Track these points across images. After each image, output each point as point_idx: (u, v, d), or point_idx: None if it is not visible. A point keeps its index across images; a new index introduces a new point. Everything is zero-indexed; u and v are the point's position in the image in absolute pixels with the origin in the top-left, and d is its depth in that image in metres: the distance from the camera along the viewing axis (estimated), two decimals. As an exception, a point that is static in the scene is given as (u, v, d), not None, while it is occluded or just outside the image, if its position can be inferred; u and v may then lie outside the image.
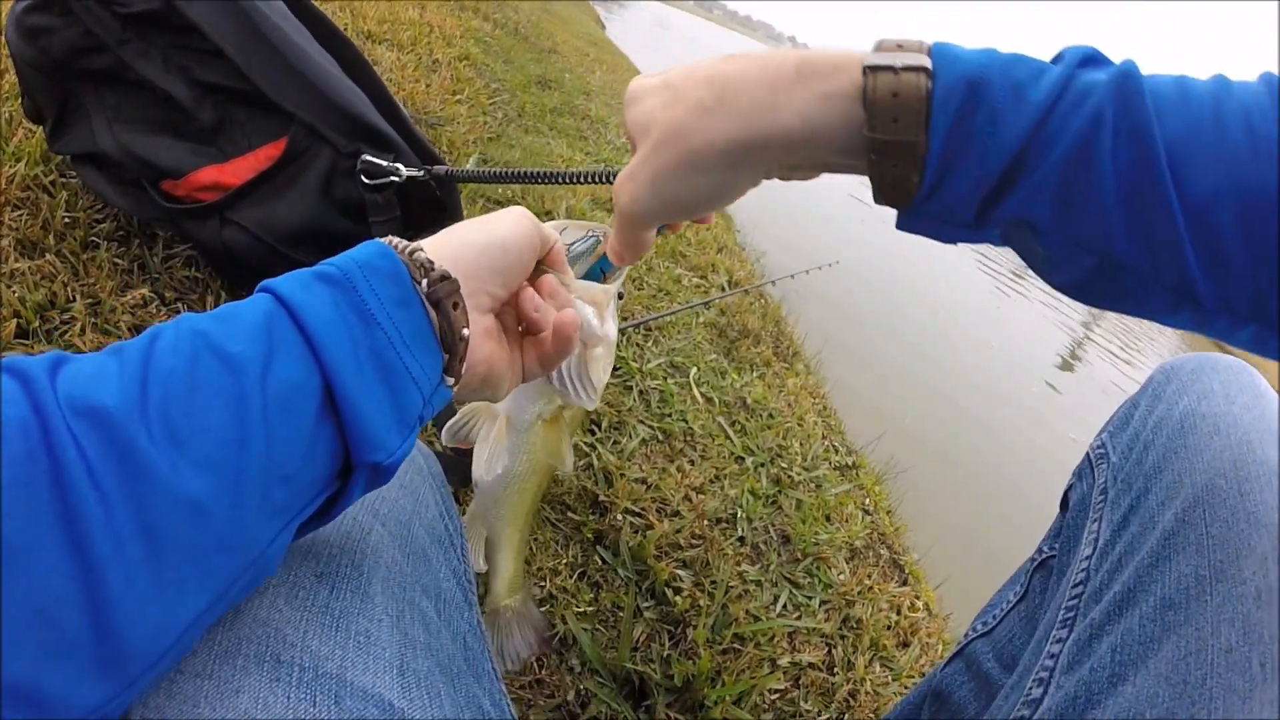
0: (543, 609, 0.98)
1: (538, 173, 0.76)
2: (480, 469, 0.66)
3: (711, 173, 0.45)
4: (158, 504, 0.28)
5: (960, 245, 0.47)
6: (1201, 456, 0.56)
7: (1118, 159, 0.37)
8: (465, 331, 0.42)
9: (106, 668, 0.27)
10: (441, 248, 0.43)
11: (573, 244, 0.60)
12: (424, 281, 0.40)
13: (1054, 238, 0.40)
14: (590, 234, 0.61)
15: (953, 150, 0.39)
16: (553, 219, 2.14)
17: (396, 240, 0.42)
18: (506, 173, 0.80)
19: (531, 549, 1.04)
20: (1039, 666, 0.56)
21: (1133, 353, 6.79)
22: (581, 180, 0.71)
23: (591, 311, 0.56)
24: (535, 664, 0.91)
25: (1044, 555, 0.74)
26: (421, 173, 0.93)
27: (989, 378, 4.39)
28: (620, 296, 0.62)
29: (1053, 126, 0.38)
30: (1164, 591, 0.52)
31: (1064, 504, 0.73)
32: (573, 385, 0.58)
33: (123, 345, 0.32)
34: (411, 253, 0.41)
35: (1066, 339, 6.35)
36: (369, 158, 0.92)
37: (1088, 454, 0.71)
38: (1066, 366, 5.62)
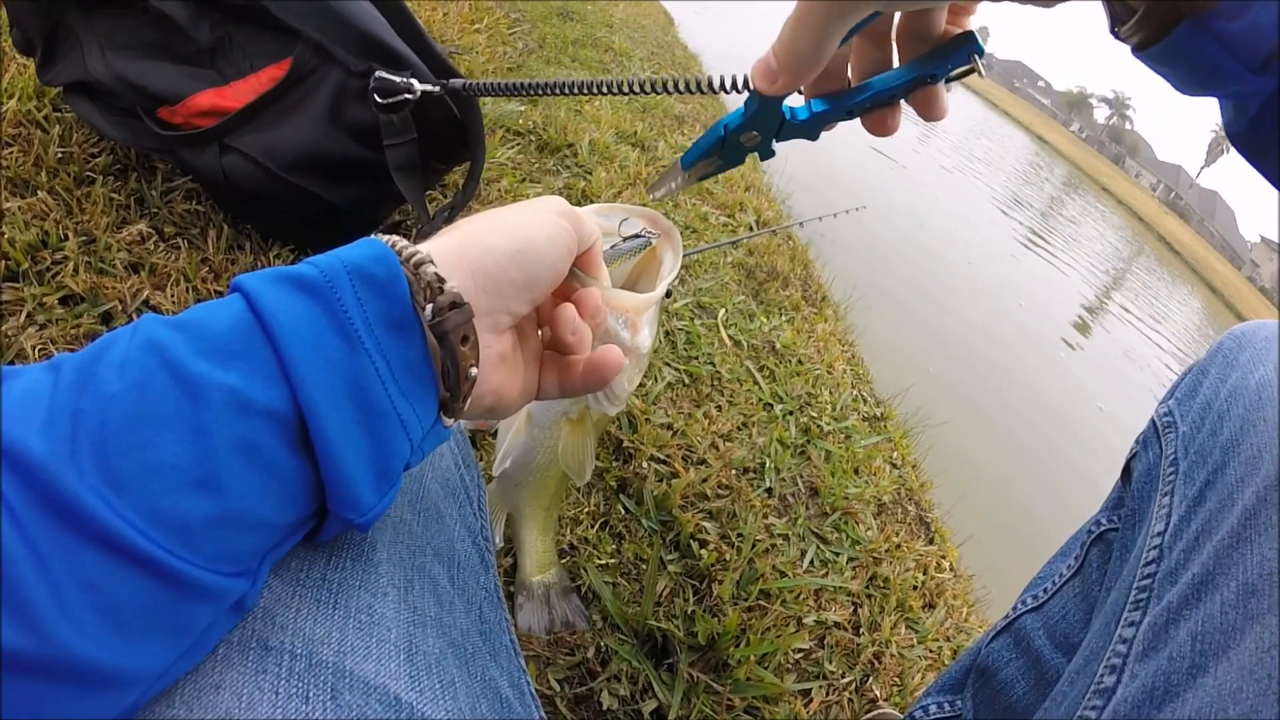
0: (563, 560, 0.95)
1: (565, 83, 0.68)
2: (498, 463, 0.62)
3: None
4: (96, 556, 0.24)
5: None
6: None
7: None
8: (473, 371, 0.35)
9: None
10: (459, 254, 0.35)
11: (628, 239, 0.54)
12: (428, 307, 0.33)
13: None
14: (644, 232, 0.54)
15: None
16: (574, 153, 2.04)
17: (399, 242, 0.34)
18: (529, 84, 0.72)
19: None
20: (1110, 652, 0.52)
21: (1152, 308, 6.66)
22: (619, 91, 0.63)
23: (622, 323, 0.50)
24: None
25: (1103, 527, 0.69)
26: (436, 88, 0.85)
27: (1009, 334, 4.31)
28: (668, 295, 0.56)
29: None
30: (1246, 576, 0.47)
31: (1126, 473, 0.68)
32: (594, 394, 0.53)
33: (62, 360, 0.27)
34: (417, 264, 0.33)
35: (1085, 298, 6.24)
36: (382, 74, 0.85)
37: (1153, 421, 0.66)
38: (1084, 326, 5.53)
